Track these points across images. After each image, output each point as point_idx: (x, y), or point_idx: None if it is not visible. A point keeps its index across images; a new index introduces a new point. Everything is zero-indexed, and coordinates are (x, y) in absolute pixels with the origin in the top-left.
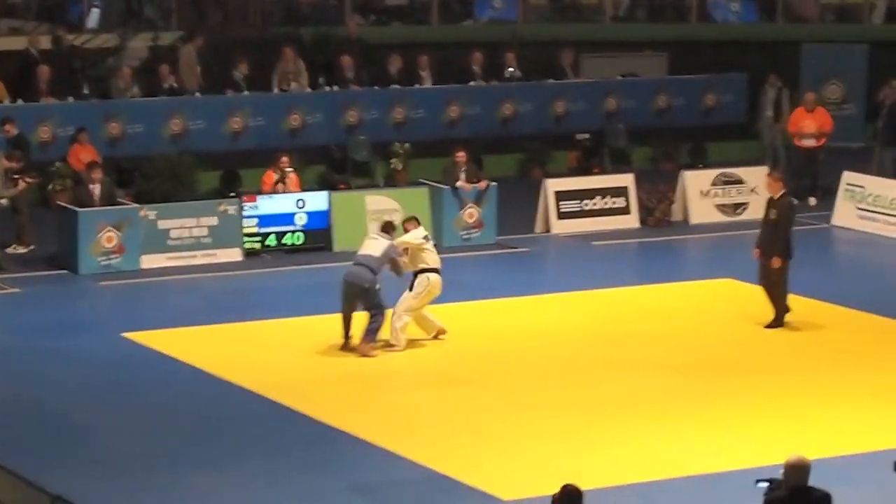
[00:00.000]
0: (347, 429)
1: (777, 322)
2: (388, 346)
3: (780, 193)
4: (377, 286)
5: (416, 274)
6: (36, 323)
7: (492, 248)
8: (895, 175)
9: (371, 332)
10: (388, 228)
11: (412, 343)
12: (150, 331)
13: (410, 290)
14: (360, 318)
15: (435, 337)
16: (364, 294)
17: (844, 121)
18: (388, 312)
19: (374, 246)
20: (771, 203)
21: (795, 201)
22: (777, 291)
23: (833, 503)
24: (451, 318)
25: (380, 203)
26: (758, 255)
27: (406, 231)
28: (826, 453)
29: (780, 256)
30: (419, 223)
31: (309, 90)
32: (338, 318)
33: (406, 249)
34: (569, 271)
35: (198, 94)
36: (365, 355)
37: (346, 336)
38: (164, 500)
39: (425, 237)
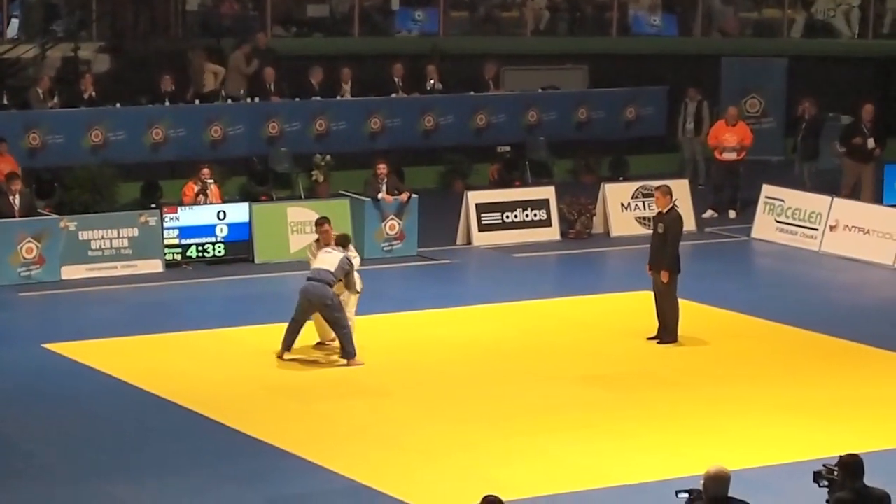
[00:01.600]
0: (270, 440)
1: (671, 337)
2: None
3: (669, 207)
4: (338, 300)
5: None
6: None
7: (413, 260)
8: (814, 189)
9: (348, 344)
10: (342, 242)
11: (332, 355)
12: (71, 342)
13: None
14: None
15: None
16: (325, 309)
17: (764, 134)
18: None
19: (329, 260)
20: (659, 217)
21: (711, 214)
22: (667, 305)
23: None
24: (372, 329)
25: (301, 215)
26: (650, 270)
27: (324, 231)
28: (745, 464)
29: (667, 270)
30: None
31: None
32: (265, 328)
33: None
34: (489, 283)
35: (118, 105)
36: (354, 365)
37: (288, 347)
38: None
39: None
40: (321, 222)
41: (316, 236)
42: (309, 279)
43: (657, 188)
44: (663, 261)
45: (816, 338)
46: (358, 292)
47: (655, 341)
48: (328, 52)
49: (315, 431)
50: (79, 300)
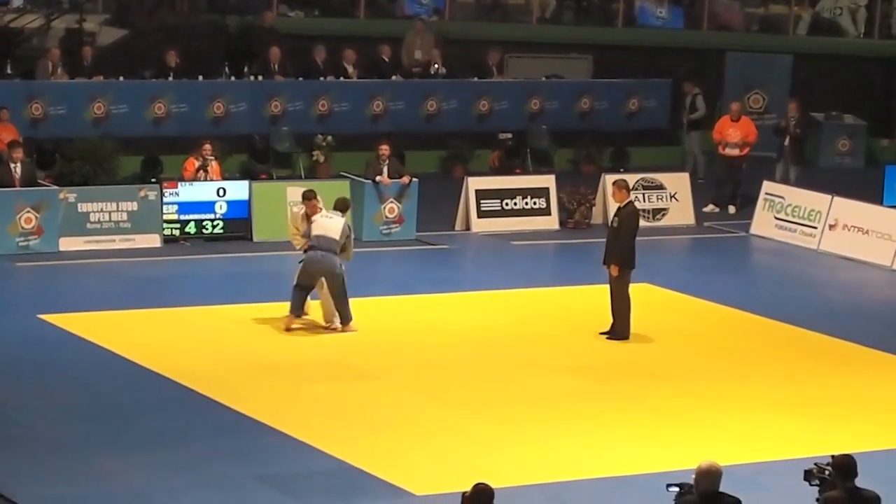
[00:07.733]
0: (261, 418)
1: (615, 332)
2: (328, 329)
3: (626, 202)
4: (343, 269)
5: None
6: None
7: (411, 244)
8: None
9: (348, 310)
10: (343, 206)
11: (327, 335)
12: (67, 313)
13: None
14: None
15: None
16: (333, 278)
17: (766, 131)
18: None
19: (332, 227)
20: (616, 211)
21: (712, 208)
22: (617, 302)
23: None
24: (368, 312)
25: (300, 194)
26: (606, 266)
27: (312, 206)
28: (736, 460)
29: (617, 265)
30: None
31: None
32: (262, 307)
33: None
34: (486, 270)
35: (121, 79)
36: (349, 331)
37: (298, 315)
38: (72, 483)
39: None
40: (310, 196)
41: (303, 209)
42: (312, 247)
43: (614, 182)
44: (614, 255)
45: (812, 336)
46: (349, 260)
47: (605, 336)
48: (333, 33)
49: (307, 411)
50: (76, 272)
